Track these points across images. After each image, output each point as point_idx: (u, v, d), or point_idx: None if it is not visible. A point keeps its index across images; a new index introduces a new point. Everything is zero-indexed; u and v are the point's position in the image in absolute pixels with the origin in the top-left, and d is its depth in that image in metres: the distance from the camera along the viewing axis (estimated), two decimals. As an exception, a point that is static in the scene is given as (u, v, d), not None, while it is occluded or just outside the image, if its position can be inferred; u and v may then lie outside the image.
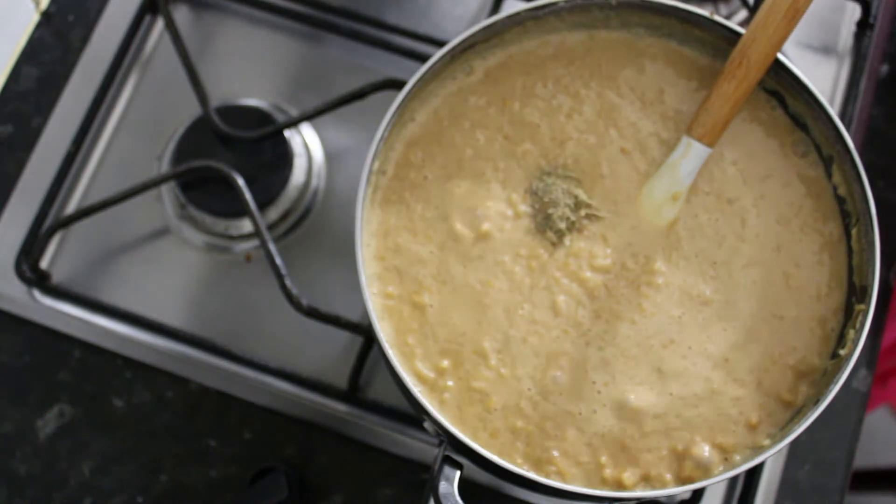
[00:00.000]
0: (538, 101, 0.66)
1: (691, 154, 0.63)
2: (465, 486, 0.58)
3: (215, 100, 0.84)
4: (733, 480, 0.76)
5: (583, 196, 0.64)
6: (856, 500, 1.35)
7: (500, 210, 0.64)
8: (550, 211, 0.63)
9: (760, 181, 0.65)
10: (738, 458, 0.60)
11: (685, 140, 0.63)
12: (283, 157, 0.81)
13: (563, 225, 0.63)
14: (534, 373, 0.61)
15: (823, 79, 0.85)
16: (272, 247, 0.77)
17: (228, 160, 0.80)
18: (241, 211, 0.79)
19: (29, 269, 0.79)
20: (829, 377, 0.60)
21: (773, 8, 0.61)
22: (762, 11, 0.61)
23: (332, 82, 0.85)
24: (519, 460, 0.60)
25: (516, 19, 0.65)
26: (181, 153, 0.81)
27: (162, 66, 0.86)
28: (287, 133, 0.82)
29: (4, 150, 0.83)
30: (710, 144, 0.63)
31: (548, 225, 0.63)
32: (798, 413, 0.61)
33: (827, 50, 0.86)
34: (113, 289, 0.81)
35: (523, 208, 0.64)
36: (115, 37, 0.86)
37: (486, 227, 0.63)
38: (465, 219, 0.64)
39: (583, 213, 0.64)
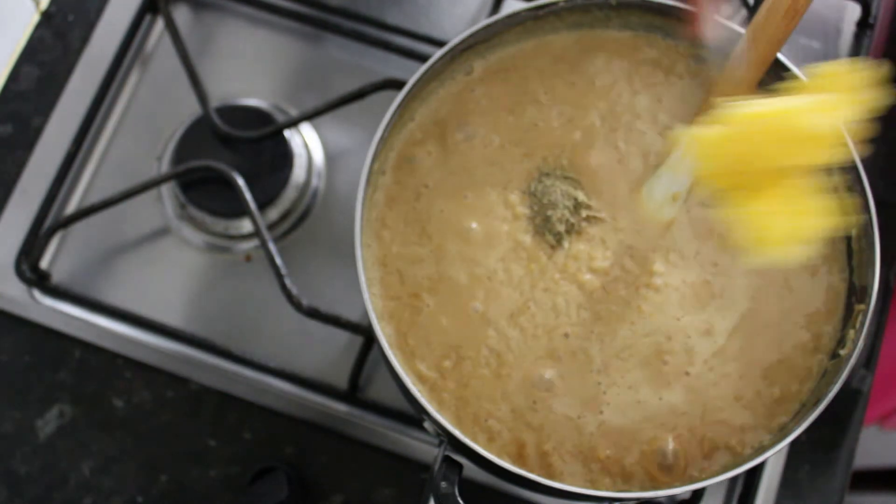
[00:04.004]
0: (538, 101, 0.66)
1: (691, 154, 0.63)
2: (465, 486, 0.58)
3: (215, 100, 0.84)
4: (733, 480, 0.76)
5: (582, 197, 0.64)
6: (856, 500, 1.35)
7: (499, 212, 0.64)
8: (549, 213, 0.63)
9: (760, 181, 0.64)
10: (738, 457, 0.60)
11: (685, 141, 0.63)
12: (283, 157, 0.81)
13: (561, 227, 0.63)
14: (535, 373, 0.61)
15: (823, 79, 0.85)
16: (272, 247, 0.77)
17: (228, 160, 0.80)
18: (241, 211, 0.79)
19: (29, 269, 0.79)
20: (829, 377, 0.60)
21: (773, 8, 0.61)
22: (762, 11, 0.61)
23: (332, 82, 0.85)
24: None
25: (516, 19, 0.65)
26: (181, 153, 0.81)
27: (162, 66, 0.86)
28: (287, 133, 0.82)
29: (4, 150, 0.83)
30: (709, 145, 0.63)
31: (547, 227, 0.63)
32: (798, 413, 0.61)
33: (827, 50, 0.86)
34: (113, 289, 0.81)
35: (522, 210, 0.64)
36: (115, 37, 0.86)
37: (485, 228, 0.63)
38: (464, 220, 0.63)
39: (583, 214, 0.63)
